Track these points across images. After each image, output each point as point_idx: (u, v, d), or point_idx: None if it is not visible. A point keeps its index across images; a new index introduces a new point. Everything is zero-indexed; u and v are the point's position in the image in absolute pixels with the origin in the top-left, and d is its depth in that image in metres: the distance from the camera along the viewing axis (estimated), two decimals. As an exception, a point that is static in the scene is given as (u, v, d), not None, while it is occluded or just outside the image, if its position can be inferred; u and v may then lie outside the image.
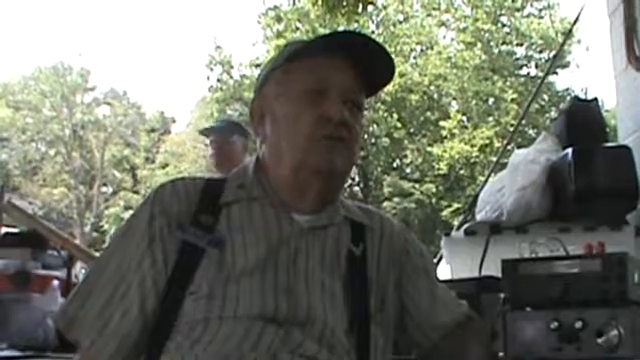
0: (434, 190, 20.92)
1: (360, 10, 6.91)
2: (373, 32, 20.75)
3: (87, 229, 25.63)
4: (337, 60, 1.29)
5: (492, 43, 21.98)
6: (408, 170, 22.57)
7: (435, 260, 3.14)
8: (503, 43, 22.17)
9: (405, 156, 22.29)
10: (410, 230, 1.52)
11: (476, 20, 21.53)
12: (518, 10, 22.26)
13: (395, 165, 22.78)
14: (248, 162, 1.38)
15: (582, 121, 2.81)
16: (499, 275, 1.48)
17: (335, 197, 1.35)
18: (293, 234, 1.27)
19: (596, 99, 2.89)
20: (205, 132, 4.00)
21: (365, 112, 1.38)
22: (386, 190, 21.47)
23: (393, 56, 1.34)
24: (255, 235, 1.25)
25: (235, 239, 1.24)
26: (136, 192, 26.18)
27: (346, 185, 1.46)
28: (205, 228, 1.25)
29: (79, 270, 4.51)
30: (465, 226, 2.89)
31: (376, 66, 1.32)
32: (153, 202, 1.29)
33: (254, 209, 1.29)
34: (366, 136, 19.86)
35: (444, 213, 20.16)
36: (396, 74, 1.40)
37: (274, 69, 1.34)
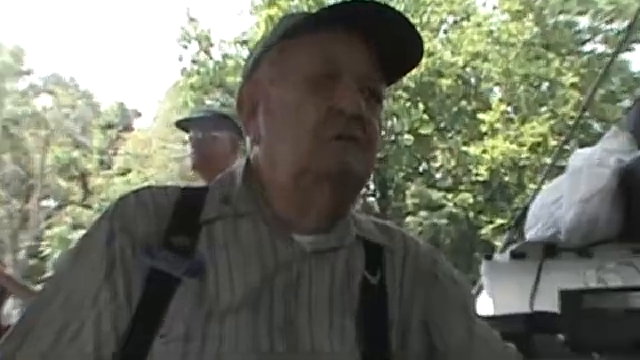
0: (471, 201, 20.96)
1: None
2: (392, 0, 20.82)
3: (22, 255, 25.68)
4: (349, 36, 1.29)
5: (546, 12, 22.01)
6: (438, 176, 22.62)
7: (474, 290, 3.15)
8: (561, 12, 22.21)
9: (434, 158, 22.33)
10: (440, 252, 1.52)
11: (525, -18, 21.61)
12: (580, -31, 22.33)
13: (421, 169, 22.83)
14: (236, 166, 1.39)
15: (663, 112, 2.82)
16: (556, 310, 1.49)
17: (346, 212, 1.36)
18: (294, 259, 1.27)
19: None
20: (183, 124, 4.00)
21: (384, 102, 1.38)
22: (410, 201, 21.51)
23: (419, 30, 1.32)
24: (244, 260, 1.25)
25: (219, 266, 1.24)
26: (87, 206, 26.25)
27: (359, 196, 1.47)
28: (180, 252, 1.25)
29: (10, 309, 4.51)
30: (512, 247, 2.91)
31: (398, 45, 1.30)
32: (112, 217, 1.29)
33: (242, 227, 1.29)
34: (384, 133, 19.88)
35: (484, 231, 20.20)
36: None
37: (268, 48, 1.35)
